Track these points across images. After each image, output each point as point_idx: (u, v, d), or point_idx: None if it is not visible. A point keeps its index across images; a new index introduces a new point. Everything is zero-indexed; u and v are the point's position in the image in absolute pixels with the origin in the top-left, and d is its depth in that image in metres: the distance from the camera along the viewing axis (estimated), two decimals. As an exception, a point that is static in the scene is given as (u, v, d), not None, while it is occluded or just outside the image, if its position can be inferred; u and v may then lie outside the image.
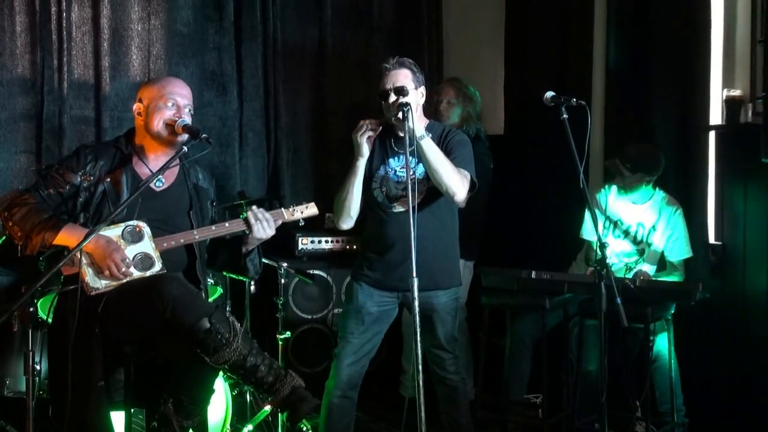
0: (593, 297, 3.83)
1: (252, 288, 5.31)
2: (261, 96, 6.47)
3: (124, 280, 3.55)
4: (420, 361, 3.68)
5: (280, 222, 3.89)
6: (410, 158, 3.89)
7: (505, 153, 5.94)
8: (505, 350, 5.16)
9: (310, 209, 3.97)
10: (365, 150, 4.15)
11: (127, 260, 3.58)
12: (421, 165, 4.13)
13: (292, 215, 3.92)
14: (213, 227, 3.84)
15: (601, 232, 4.86)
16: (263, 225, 3.80)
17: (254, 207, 3.84)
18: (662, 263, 5.12)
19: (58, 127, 5.75)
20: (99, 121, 5.88)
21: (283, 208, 3.91)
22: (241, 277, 4.20)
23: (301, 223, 3.99)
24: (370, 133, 4.14)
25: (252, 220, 3.79)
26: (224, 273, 4.32)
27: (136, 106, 3.85)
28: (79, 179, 3.72)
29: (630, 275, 4.93)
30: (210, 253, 4.00)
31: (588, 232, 5.20)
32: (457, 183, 4.08)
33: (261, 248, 4.00)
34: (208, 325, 3.39)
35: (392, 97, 4.09)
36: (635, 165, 4.95)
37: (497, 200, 5.68)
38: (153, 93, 3.81)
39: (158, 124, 3.76)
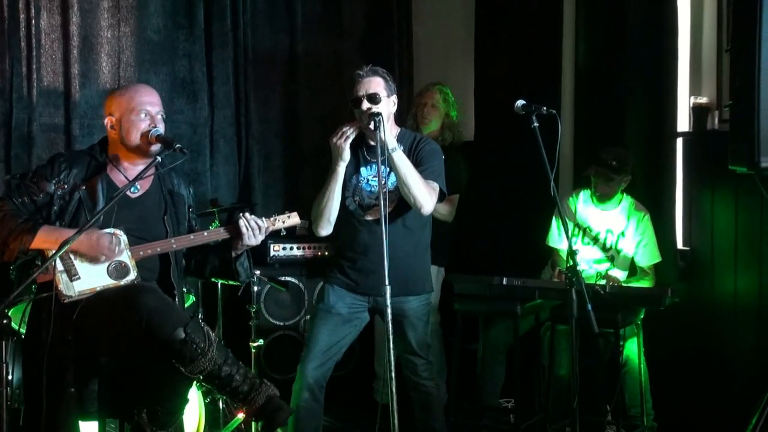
0: (565, 303, 3.86)
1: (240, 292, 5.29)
2: (232, 103, 6.47)
3: (99, 286, 3.55)
4: (392, 367, 3.69)
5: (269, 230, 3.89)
6: (382, 168, 3.90)
7: (475, 159, 5.96)
8: (478, 355, 5.18)
9: (293, 219, 3.98)
10: (347, 154, 4.14)
11: (113, 242, 3.59)
12: (393, 174, 4.14)
13: (274, 224, 3.92)
14: (191, 236, 3.84)
15: (570, 239, 4.92)
16: (255, 232, 3.81)
17: (247, 215, 3.83)
18: (633, 268, 5.16)
19: (27, 135, 5.71)
20: (69, 128, 5.85)
21: (264, 218, 3.90)
22: (231, 282, 4.19)
23: (283, 233, 4.00)
24: (351, 138, 4.13)
25: (243, 229, 3.79)
26: (214, 279, 4.31)
27: (108, 120, 3.83)
28: (53, 187, 3.70)
29: (602, 281, 4.96)
30: (198, 261, 4.01)
31: (554, 239, 5.23)
32: (425, 196, 4.11)
33: (249, 252, 4.01)
34: (183, 335, 3.39)
35: (365, 104, 4.10)
36: (618, 167, 4.96)
37: (468, 206, 5.70)
38: (123, 105, 3.79)
39: (134, 138, 3.75)
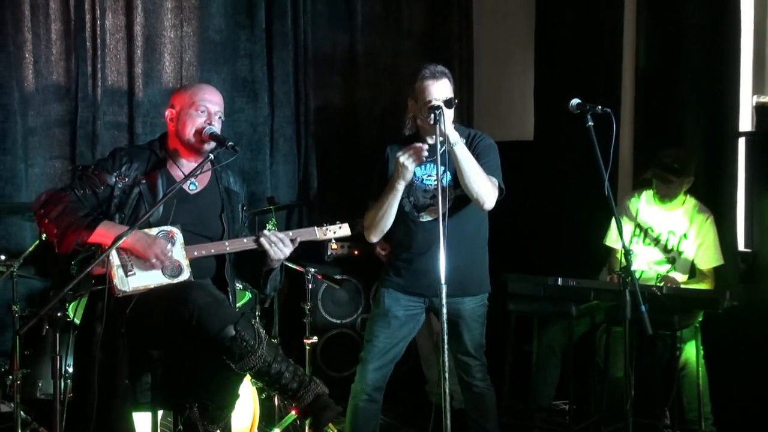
0: (619, 304, 3.79)
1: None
2: (292, 102, 6.49)
3: (154, 283, 3.57)
4: (446, 367, 3.65)
5: (303, 239, 3.87)
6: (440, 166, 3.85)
7: (534, 159, 5.90)
8: (533, 357, 5.12)
9: (343, 230, 3.96)
10: (409, 175, 4.07)
11: (168, 249, 3.60)
12: (448, 172, 4.10)
13: (324, 235, 3.91)
14: (244, 240, 3.82)
15: (628, 240, 4.84)
16: (279, 246, 3.78)
17: (266, 231, 3.81)
18: (694, 271, 5.05)
19: (92, 132, 5.78)
20: (132, 127, 5.92)
21: (315, 227, 3.90)
22: (257, 291, 4.19)
23: (333, 244, 3.98)
24: (418, 162, 4.04)
25: (266, 245, 3.77)
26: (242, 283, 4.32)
27: (169, 112, 3.88)
28: (114, 180, 3.73)
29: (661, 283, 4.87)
30: (236, 262, 4.01)
31: (612, 239, 5.15)
32: (487, 191, 4.05)
33: (283, 267, 4.01)
34: (233, 333, 3.41)
35: (447, 111, 4.02)
36: (679, 169, 4.87)
37: (525, 206, 5.65)
38: (184, 100, 3.83)
39: (189, 132, 3.78)
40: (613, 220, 4.98)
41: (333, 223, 3.95)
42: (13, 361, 4.73)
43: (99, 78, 5.80)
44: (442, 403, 3.67)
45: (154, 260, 3.57)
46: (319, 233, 3.89)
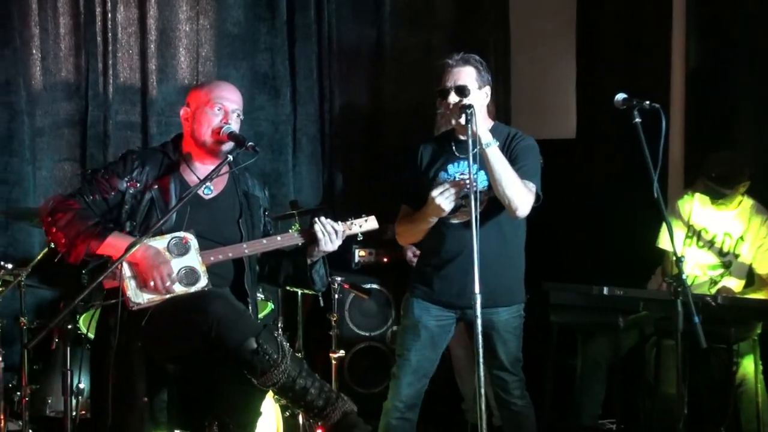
0: (670, 315, 3.76)
1: (321, 302, 5.29)
2: (315, 99, 6.51)
3: (166, 296, 3.58)
4: (482, 383, 3.64)
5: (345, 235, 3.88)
6: (472, 165, 3.82)
7: (576, 158, 5.89)
8: (577, 372, 5.10)
9: (370, 223, 3.96)
10: (445, 214, 4.06)
11: (173, 275, 3.60)
12: (482, 173, 4.08)
13: (350, 229, 3.91)
14: (264, 241, 3.85)
15: (680, 244, 4.80)
16: (331, 237, 3.81)
17: (322, 218, 3.82)
18: (751, 278, 5.01)
19: (102, 133, 5.83)
20: (145, 126, 5.96)
21: (340, 221, 3.89)
22: (307, 291, 4.20)
23: (360, 237, 3.98)
24: (455, 202, 4.02)
25: (319, 234, 3.79)
26: (288, 287, 4.32)
27: (184, 111, 3.89)
28: (125, 185, 3.75)
29: (714, 290, 4.84)
30: (271, 267, 4.02)
31: (664, 241, 5.12)
32: (521, 197, 4.01)
33: (326, 258, 4.00)
34: (254, 346, 3.40)
35: (452, 97, 4.05)
36: (731, 179, 4.84)
37: (567, 208, 5.63)
38: (200, 98, 3.84)
39: (205, 132, 3.78)
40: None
41: (358, 215, 3.96)
42: (22, 377, 4.78)
43: (110, 75, 5.84)
44: (478, 422, 3.66)
45: (150, 283, 3.56)
46: (345, 227, 3.88)
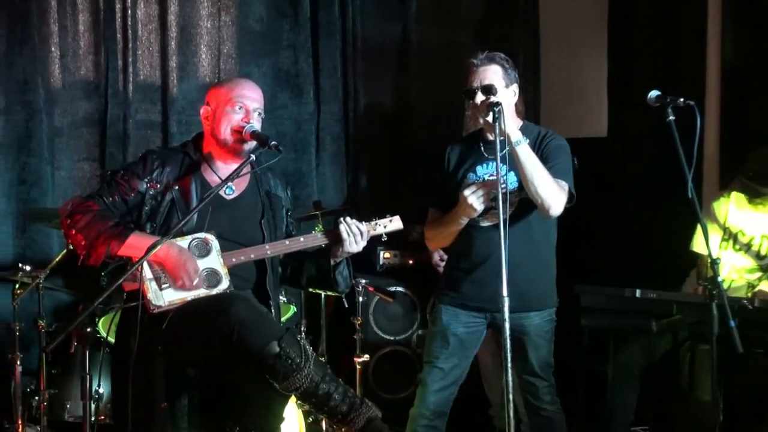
0: (705, 319, 3.74)
1: (345, 303, 5.28)
2: (339, 97, 6.52)
3: (190, 295, 3.59)
4: (510, 389, 3.63)
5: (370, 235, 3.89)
6: (501, 166, 3.80)
7: (607, 157, 5.86)
8: (608, 377, 5.07)
9: (395, 223, 3.96)
10: (476, 215, 4.08)
11: (199, 271, 3.62)
12: (512, 173, 4.08)
13: (374, 229, 3.91)
14: (287, 242, 3.86)
15: (716, 247, 4.77)
16: (356, 238, 3.81)
17: (348, 218, 3.83)
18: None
19: (122, 132, 5.87)
20: (166, 125, 6.00)
21: (364, 222, 3.89)
22: (330, 293, 4.20)
23: (384, 238, 3.97)
24: (486, 203, 4.03)
25: (344, 234, 3.79)
26: (311, 289, 4.33)
27: (204, 110, 3.90)
28: (145, 186, 3.76)
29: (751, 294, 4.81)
30: (294, 268, 4.03)
31: (699, 244, 5.08)
32: (554, 196, 4.01)
33: (350, 259, 4.00)
34: (277, 349, 3.40)
35: (479, 96, 4.05)
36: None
37: (596, 209, 5.60)
38: (221, 96, 3.85)
39: (225, 131, 3.80)
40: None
41: (382, 215, 3.96)
42: (40, 381, 4.81)
43: (130, 73, 5.88)
44: (506, 429, 3.65)
45: (179, 281, 3.59)
46: (369, 228, 3.88)
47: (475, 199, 3.97)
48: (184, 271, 3.58)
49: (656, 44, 5.94)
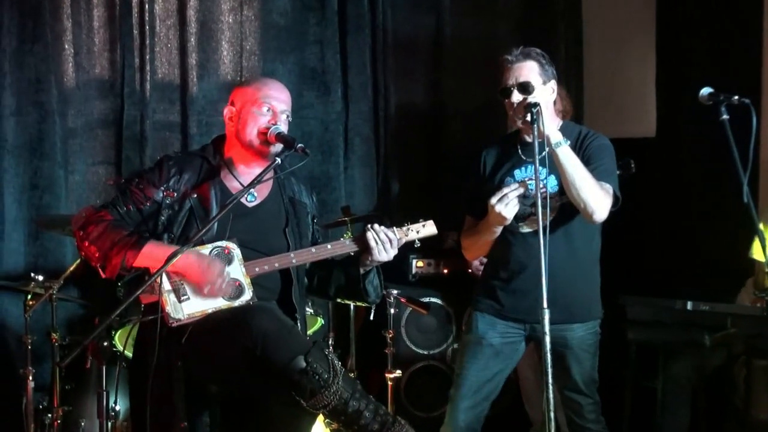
0: (761, 332, 3.72)
1: (372, 314, 5.30)
2: (369, 96, 6.52)
3: (211, 308, 3.61)
4: (552, 406, 3.62)
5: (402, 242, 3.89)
6: (540, 168, 3.82)
7: (656, 159, 5.84)
8: (658, 394, 5.06)
9: (428, 228, 3.96)
10: (508, 222, 4.08)
11: (226, 273, 3.63)
12: (553, 176, 4.08)
13: (407, 235, 3.91)
14: (313, 249, 3.87)
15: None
16: (385, 246, 3.82)
17: (376, 225, 3.84)
18: None
19: (139, 134, 5.89)
20: (185, 127, 6.02)
21: (395, 228, 3.90)
22: (359, 303, 4.22)
23: (417, 245, 3.98)
24: (517, 206, 4.02)
25: (372, 242, 3.81)
26: (339, 300, 4.34)
27: (228, 110, 3.93)
28: (161, 195, 3.79)
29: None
30: (321, 278, 4.05)
31: (759, 252, 5.05)
32: (598, 199, 4.01)
33: (380, 268, 4.01)
34: (303, 365, 3.40)
35: (515, 95, 4.06)
36: None
37: (645, 215, 5.59)
38: (246, 96, 3.88)
39: (251, 133, 3.82)
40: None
41: (415, 220, 3.96)
42: (53, 397, 4.84)
43: (147, 71, 5.91)
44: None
45: (206, 291, 3.61)
46: (400, 233, 3.89)
47: (503, 207, 3.97)
48: (208, 275, 3.60)
49: (708, 37, 5.91)
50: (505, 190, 3.99)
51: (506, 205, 3.97)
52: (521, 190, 4.00)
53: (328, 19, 6.36)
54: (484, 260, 4.65)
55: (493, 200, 3.99)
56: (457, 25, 6.69)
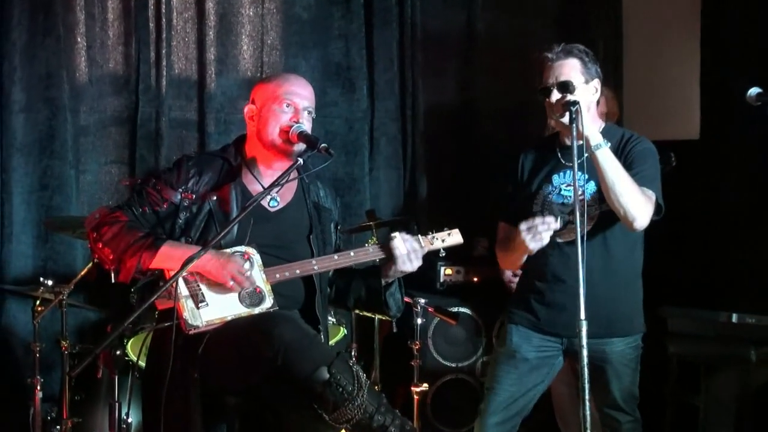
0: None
1: (395, 327, 5.29)
2: (396, 94, 6.53)
3: (230, 315, 3.62)
4: (588, 424, 3.62)
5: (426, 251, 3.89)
6: (578, 173, 3.80)
7: (700, 162, 5.82)
8: (700, 412, 5.05)
9: (453, 237, 3.96)
10: (532, 253, 4.06)
11: (246, 266, 3.64)
12: (592, 182, 4.07)
13: (431, 243, 3.91)
14: (335, 256, 3.87)
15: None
16: (411, 256, 3.82)
17: (402, 234, 3.84)
18: None
19: (154, 132, 5.92)
20: (202, 125, 6.05)
21: (420, 235, 3.90)
22: (380, 316, 4.22)
23: (442, 254, 3.97)
24: (547, 238, 3.99)
25: (396, 251, 3.81)
26: (358, 311, 4.34)
27: (248, 109, 3.94)
28: (179, 197, 3.80)
29: None
30: (339, 288, 4.06)
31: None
32: (639, 206, 3.99)
33: (402, 280, 4.01)
34: (327, 376, 3.40)
35: (555, 95, 4.05)
36: None
37: (688, 223, 5.57)
38: (267, 93, 3.89)
39: (272, 132, 3.83)
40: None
41: (440, 228, 3.95)
42: (62, 408, 4.84)
43: (163, 66, 5.93)
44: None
45: (231, 282, 3.62)
46: (425, 242, 3.88)
47: (530, 238, 3.95)
48: (229, 266, 3.61)
49: (756, 34, 5.88)
50: (538, 222, 3.96)
51: (533, 237, 3.95)
52: (556, 227, 3.98)
53: (354, 12, 6.38)
54: (519, 271, 4.65)
55: (523, 226, 3.98)
56: (489, 20, 6.69)
